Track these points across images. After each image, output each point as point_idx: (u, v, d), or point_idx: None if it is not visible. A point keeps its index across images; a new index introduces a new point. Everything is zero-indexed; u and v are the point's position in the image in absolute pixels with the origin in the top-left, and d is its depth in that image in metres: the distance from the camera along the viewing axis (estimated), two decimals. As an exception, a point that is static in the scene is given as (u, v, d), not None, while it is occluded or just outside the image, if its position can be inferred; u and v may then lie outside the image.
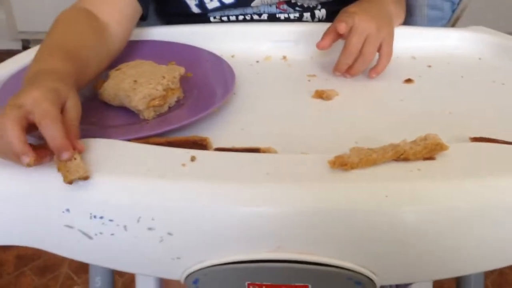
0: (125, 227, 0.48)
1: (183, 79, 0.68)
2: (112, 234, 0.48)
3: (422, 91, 0.72)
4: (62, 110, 0.51)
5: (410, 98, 0.69)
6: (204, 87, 0.69)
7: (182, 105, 0.66)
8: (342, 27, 0.70)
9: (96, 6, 0.72)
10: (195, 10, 0.87)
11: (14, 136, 0.47)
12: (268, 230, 0.47)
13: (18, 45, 2.52)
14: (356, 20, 0.71)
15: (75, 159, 0.48)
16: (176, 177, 0.49)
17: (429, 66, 0.78)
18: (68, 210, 0.48)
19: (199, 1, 0.86)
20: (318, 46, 0.73)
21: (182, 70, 0.67)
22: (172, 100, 0.65)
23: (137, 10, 0.77)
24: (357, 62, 0.72)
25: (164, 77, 0.64)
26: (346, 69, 0.73)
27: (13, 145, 0.47)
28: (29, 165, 0.47)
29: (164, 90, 0.63)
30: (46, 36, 0.65)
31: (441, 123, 0.63)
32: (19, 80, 0.67)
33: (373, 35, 0.71)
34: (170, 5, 0.90)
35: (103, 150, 0.52)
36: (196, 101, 0.66)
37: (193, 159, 0.51)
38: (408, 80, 0.74)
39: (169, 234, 0.48)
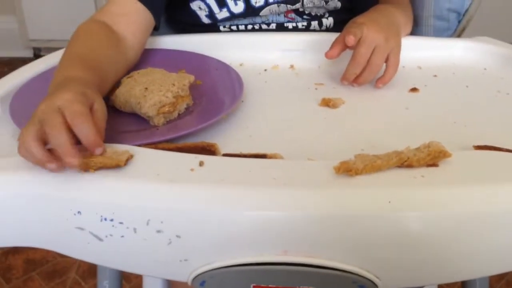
0: (134, 229, 0.49)
1: (193, 87, 0.69)
2: (122, 236, 0.49)
3: (427, 100, 0.72)
4: (90, 112, 0.54)
5: (415, 106, 0.70)
6: (213, 94, 0.70)
7: (192, 112, 0.66)
8: (350, 40, 0.71)
9: (112, 19, 0.74)
10: (206, 20, 0.89)
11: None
12: (274, 233, 0.48)
13: (29, 53, 2.55)
14: (364, 31, 0.72)
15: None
16: (184, 182, 0.50)
17: (435, 76, 0.79)
18: (79, 212, 0.49)
19: (209, 12, 0.87)
20: (327, 55, 0.74)
21: (191, 78, 0.68)
22: (181, 107, 0.66)
23: (151, 22, 0.79)
24: (364, 72, 0.73)
25: (174, 85, 0.65)
26: (354, 78, 0.74)
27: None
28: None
29: (174, 97, 0.64)
30: (67, 48, 0.68)
31: (445, 131, 0.64)
32: (33, 86, 0.69)
33: (381, 46, 0.72)
34: (181, 16, 0.91)
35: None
36: (205, 108, 0.67)
37: (201, 164, 0.52)
38: (414, 89, 0.74)
39: (177, 236, 0.49)
